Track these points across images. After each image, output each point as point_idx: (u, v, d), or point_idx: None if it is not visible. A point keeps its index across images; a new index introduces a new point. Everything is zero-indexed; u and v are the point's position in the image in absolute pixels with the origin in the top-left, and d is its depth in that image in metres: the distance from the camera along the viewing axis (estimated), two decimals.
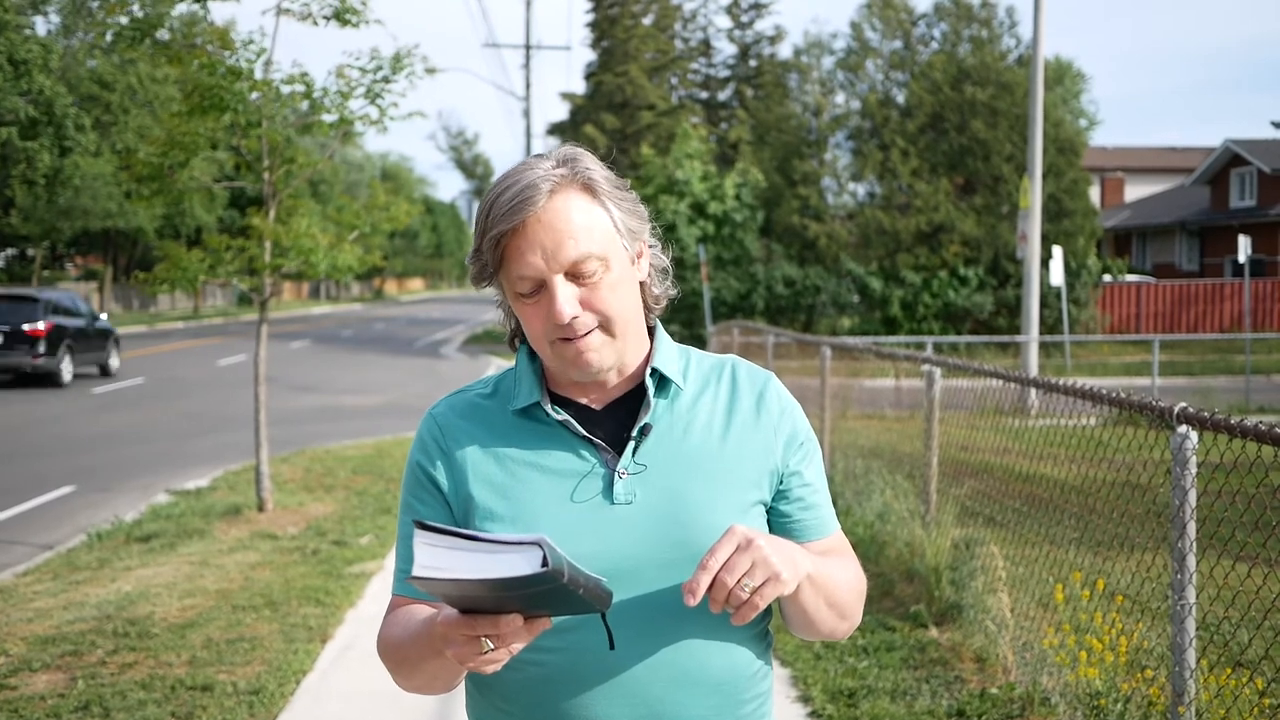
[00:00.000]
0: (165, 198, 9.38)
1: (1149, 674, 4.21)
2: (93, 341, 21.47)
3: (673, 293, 1.72)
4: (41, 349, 19.46)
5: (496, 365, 26.96)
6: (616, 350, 1.60)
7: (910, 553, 6.73)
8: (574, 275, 1.54)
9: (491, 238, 1.54)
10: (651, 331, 1.70)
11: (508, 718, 1.63)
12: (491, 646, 1.34)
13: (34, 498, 10.60)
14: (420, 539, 1.29)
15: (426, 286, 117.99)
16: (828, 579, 1.60)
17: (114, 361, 22.44)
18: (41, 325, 19.40)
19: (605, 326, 1.57)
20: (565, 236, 1.53)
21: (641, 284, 1.66)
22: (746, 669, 1.63)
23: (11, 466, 12.24)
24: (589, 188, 1.57)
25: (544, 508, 1.57)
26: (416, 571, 1.27)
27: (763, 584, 1.42)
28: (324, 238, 9.12)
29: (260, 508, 9.27)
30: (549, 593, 1.29)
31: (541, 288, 1.55)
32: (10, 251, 45.54)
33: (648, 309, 1.69)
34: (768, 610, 1.68)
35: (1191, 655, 3.75)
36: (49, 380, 20.01)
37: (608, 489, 1.58)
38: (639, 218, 1.64)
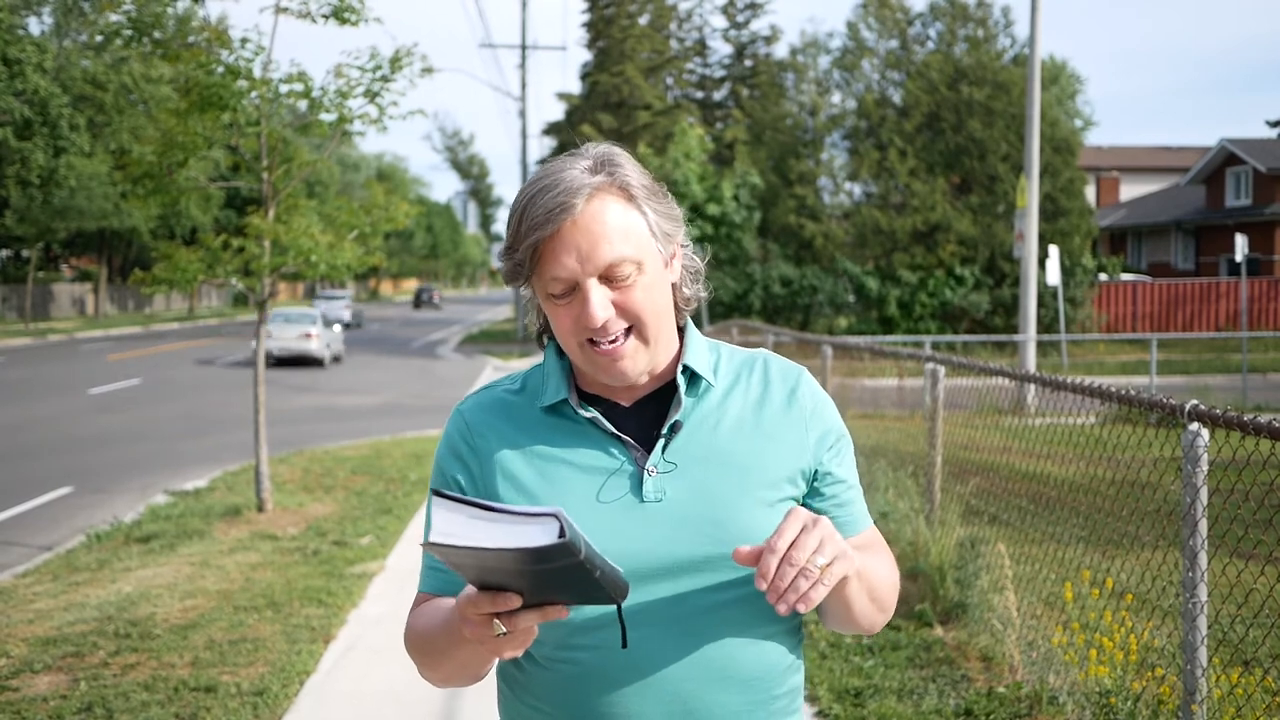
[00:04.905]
0: (162, 197, 9.35)
1: (1159, 672, 4.20)
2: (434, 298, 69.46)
3: (704, 294, 1.71)
4: (436, 302, 71.44)
5: (493, 365, 26.94)
6: (649, 356, 1.59)
7: (914, 551, 6.71)
8: (607, 279, 1.53)
9: (528, 245, 1.52)
10: (681, 331, 1.68)
11: (542, 716, 1.61)
12: (503, 630, 1.34)
13: (32, 499, 10.56)
14: (439, 506, 1.27)
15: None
16: (871, 572, 1.60)
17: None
18: (437, 291, 70.93)
19: (638, 331, 1.56)
20: (601, 240, 1.52)
21: (673, 285, 1.64)
22: (779, 664, 1.62)
23: (9, 467, 12.20)
24: (626, 192, 1.56)
25: (572, 506, 1.55)
26: (433, 537, 1.25)
27: (831, 561, 1.39)
28: (323, 238, 9.09)
29: (260, 508, 9.23)
30: (565, 572, 1.27)
31: (574, 290, 1.54)
32: (5, 253, 45.43)
33: (678, 309, 1.67)
34: None
35: (1203, 653, 3.73)
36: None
37: (637, 487, 1.56)
38: (673, 220, 1.62)
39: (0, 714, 4.91)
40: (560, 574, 1.28)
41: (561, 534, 1.23)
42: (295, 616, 6.32)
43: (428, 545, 1.25)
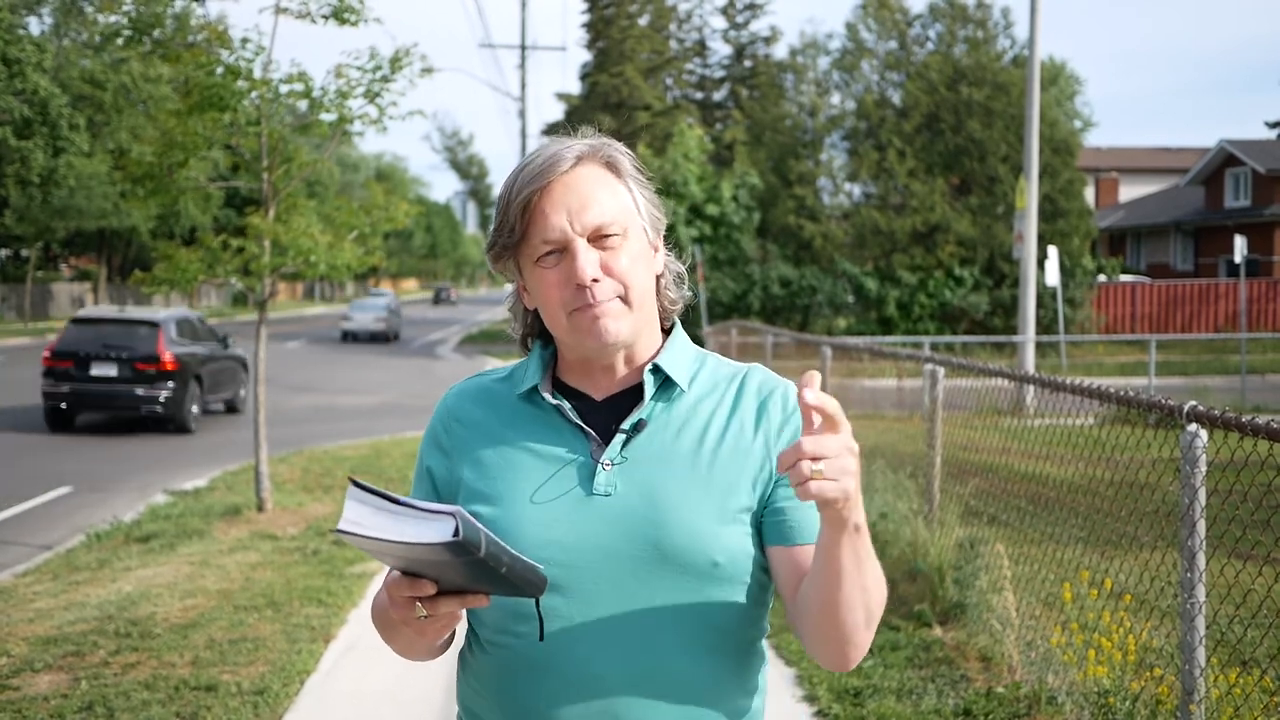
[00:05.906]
0: (162, 197, 9.36)
1: (1158, 672, 4.21)
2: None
3: (689, 295, 1.73)
4: (453, 299, 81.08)
5: (492, 365, 26.95)
6: (633, 323, 1.59)
7: (913, 552, 6.72)
8: (595, 240, 1.56)
9: (520, 201, 1.56)
10: (669, 333, 1.69)
11: (480, 699, 1.64)
12: (424, 613, 1.40)
13: (31, 498, 10.56)
14: (351, 495, 1.32)
15: (421, 287, 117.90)
16: (871, 553, 1.46)
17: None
18: (453, 289, 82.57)
19: (624, 296, 1.57)
20: (590, 200, 1.56)
21: (659, 278, 1.66)
22: (723, 682, 1.57)
23: (8, 467, 12.20)
24: (612, 166, 1.61)
25: (525, 492, 1.57)
26: (341, 525, 1.30)
27: (826, 477, 1.29)
28: (323, 237, 9.10)
29: (259, 508, 9.24)
30: (470, 566, 1.31)
31: (563, 252, 1.56)
32: (4, 252, 45.42)
33: (664, 311, 1.68)
34: (760, 624, 1.63)
35: (1201, 654, 3.74)
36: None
37: (588, 479, 1.57)
38: (660, 214, 1.67)
39: (1, 713, 4.92)
40: (467, 567, 1.32)
41: (456, 533, 1.26)
42: (295, 616, 6.33)
43: (335, 532, 1.31)
